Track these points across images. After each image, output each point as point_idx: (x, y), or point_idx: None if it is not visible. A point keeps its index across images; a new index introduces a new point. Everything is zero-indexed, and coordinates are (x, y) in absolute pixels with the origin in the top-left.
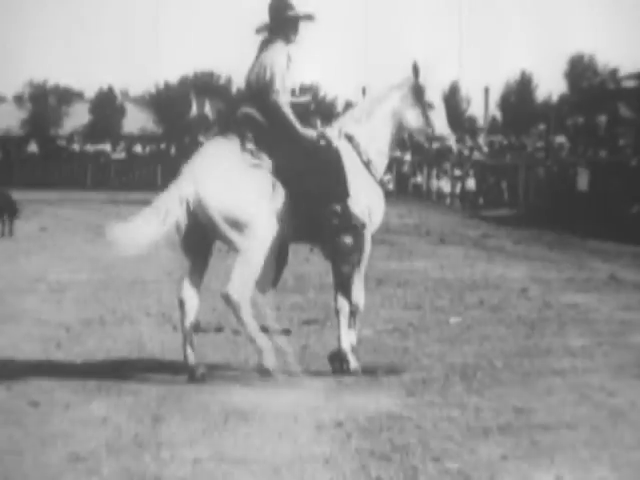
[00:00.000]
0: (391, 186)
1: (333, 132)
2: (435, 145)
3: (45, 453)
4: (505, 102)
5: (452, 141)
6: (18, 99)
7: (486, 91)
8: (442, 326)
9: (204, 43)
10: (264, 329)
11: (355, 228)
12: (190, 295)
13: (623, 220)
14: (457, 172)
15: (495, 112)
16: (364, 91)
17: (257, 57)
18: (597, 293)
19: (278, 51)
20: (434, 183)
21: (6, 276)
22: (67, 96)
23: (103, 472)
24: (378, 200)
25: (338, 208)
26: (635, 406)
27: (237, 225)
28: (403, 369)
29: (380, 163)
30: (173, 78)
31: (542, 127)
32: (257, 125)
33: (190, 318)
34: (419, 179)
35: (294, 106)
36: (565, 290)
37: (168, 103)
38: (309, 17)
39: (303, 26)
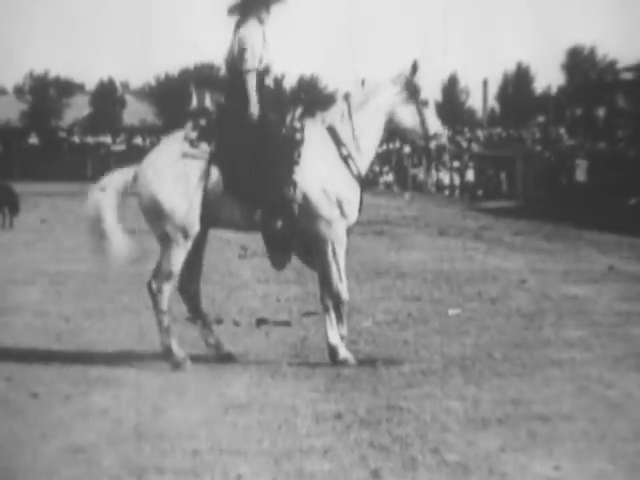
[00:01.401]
0: (390, 178)
1: (315, 123)
2: (432, 144)
3: (45, 444)
4: (503, 94)
5: (444, 138)
6: (18, 91)
7: (485, 83)
8: (441, 318)
9: (204, 35)
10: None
11: (286, 213)
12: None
13: (621, 211)
14: (456, 164)
15: (494, 104)
16: (363, 83)
17: (232, 38)
18: (595, 284)
19: (250, 28)
20: (433, 175)
21: (6, 268)
22: (67, 88)
23: (103, 463)
24: (353, 195)
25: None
26: (633, 397)
27: (158, 213)
28: (402, 360)
29: (362, 159)
30: (173, 70)
31: (540, 119)
32: (215, 111)
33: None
34: (418, 171)
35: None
36: (563, 282)
37: (168, 95)
38: None
39: (305, 20)
